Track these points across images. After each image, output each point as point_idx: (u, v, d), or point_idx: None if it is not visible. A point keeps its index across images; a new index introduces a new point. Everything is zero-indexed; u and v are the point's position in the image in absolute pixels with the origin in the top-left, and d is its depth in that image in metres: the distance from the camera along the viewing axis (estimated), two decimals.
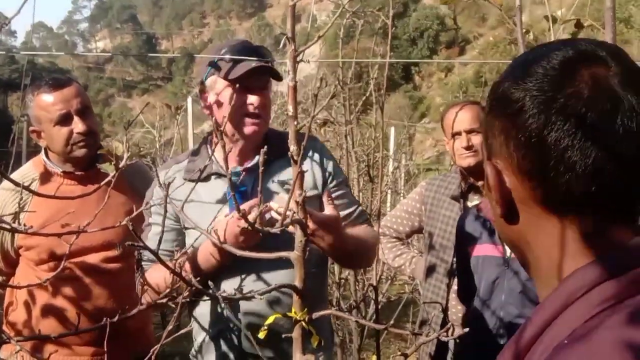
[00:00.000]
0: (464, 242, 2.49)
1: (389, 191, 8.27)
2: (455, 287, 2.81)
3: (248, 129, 1.94)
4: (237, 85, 1.87)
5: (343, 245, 1.81)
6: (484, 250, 2.40)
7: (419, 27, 51.35)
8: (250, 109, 1.92)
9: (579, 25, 1.96)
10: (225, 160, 1.25)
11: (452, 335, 1.54)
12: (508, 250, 2.33)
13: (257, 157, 1.96)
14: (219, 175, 1.96)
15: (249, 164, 1.97)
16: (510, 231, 0.82)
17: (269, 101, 2.00)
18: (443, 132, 2.90)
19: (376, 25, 4.74)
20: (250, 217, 1.44)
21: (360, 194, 5.59)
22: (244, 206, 1.71)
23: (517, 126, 0.75)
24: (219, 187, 1.95)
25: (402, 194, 9.09)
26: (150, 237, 1.90)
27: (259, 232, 1.31)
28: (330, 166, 2.03)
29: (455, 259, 2.75)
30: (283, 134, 2.05)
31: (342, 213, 1.99)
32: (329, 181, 2.02)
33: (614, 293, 0.68)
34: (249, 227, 1.38)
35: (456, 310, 2.85)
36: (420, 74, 52.03)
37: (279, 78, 1.99)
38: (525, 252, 0.81)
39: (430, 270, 2.95)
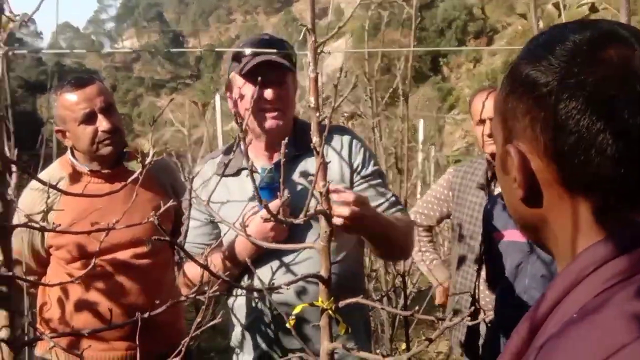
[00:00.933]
0: (492, 229, 2.51)
1: (419, 183, 8.24)
2: (484, 273, 2.84)
3: (266, 123, 1.94)
4: (259, 79, 1.87)
5: (376, 226, 1.79)
6: (509, 236, 2.42)
7: (447, 18, 50.89)
8: (266, 102, 1.92)
9: (593, 9, 1.94)
10: (246, 153, 1.26)
11: (478, 319, 1.56)
12: None
13: (285, 152, 1.97)
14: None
15: (277, 159, 1.97)
16: (528, 213, 0.81)
17: (289, 93, 1.98)
18: (471, 118, 2.93)
19: (403, 17, 4.71)
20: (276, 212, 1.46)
21: (391, 186, 5.59)
22: (271, 206, 1.74)
23: (545, 110, 0.74)
24: (249, 182, 1.97)
25: (431, 186, 9.06)
26: (187, 232, 1.99)
27: (283, 223, 1.32)
28: (359, 158, 2.01)
29: (483, 246, 2.78)
30: (307, 125, 2.06)
31: (372, 204, 1.99)
32: (356, 173, 2.00)
33: (624, 269, 0.68)
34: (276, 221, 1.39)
35: (484, 295, 2.87)
36: (449, 65, 51.60)
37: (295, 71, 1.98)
38: (544, 233, 0.81)
39: (460, 259, 2.97)
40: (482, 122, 2.79)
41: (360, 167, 2.00)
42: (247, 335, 2.01)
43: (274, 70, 1.92)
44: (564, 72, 0.73)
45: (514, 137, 0.79)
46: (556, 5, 2.06)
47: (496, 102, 0.84)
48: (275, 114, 1.93)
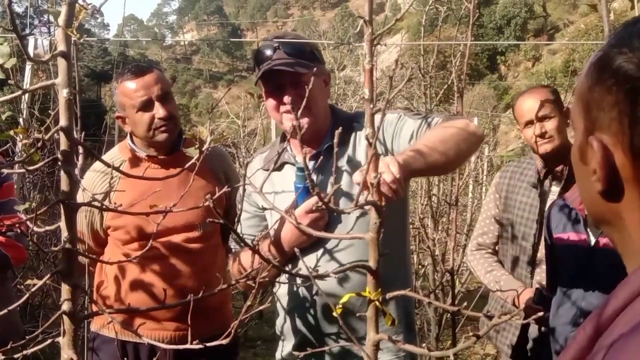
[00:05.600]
0: (551, 232, 2.47)
1: (471, 182, 8.15)
2: (537, 276, 2.79)
3: (289, 126, 1.99)
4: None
5: (426, 164, 1.72)
6: (568, 239, 2.37)
7: (506, 15, 49.96)
8: (285, 105, 1.98)
9: None
10: (302, 153, 1.29)
11: (526, 320, 1.51)
12: (592, 240, 2.29)
13: (322, 146, 2.04)
14: (291, 164, 2.07)
15: (312, 153, 2.04)
16: (604, 208, 0.77)
17: (306, 91, 1.89)
18: (516, 121, 2.87)
19: (460, 13, 4.68)
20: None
21: (441, 184, 5.56)
22: (307, 204, 1.86)
23: (635, 105, 0.70)
24: (290, 175, 2.04)
25: (483, 185, 8.94)
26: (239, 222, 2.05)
27: (334, 212, 1.35)
28: (390, 128, 1.99)
29: (539, 248, 2.74)
30: (346, 116, 2.15)
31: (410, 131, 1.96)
32: (393, 142, 1.98)
33: None
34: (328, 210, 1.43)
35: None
36: (506, 63, 50.71)
37: (312, 66, 1.95)
38: (615, 229, 0.78)
39: (514, 260, 2.92)
40: (530, 123, 2.72)
41: (393, 134, 1.99)
42: (289, 322, 2.08)
43: (285, 74, 1.97)
44: None
45: (597, 128, 0.76)
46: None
47: (579, 90, 0.80)
48: (292, 115, 1.94)
